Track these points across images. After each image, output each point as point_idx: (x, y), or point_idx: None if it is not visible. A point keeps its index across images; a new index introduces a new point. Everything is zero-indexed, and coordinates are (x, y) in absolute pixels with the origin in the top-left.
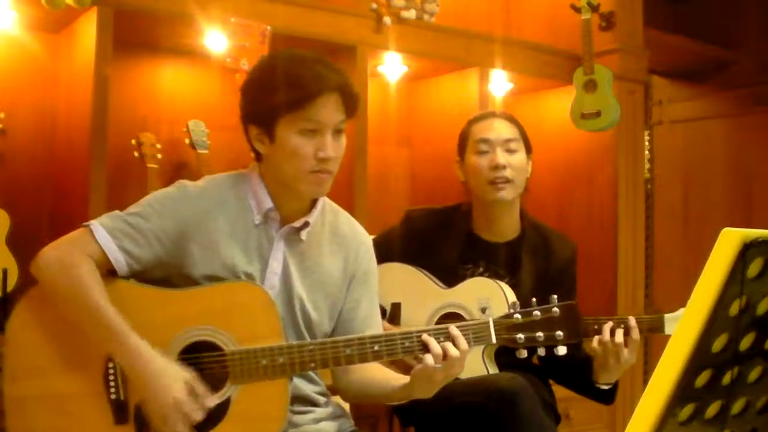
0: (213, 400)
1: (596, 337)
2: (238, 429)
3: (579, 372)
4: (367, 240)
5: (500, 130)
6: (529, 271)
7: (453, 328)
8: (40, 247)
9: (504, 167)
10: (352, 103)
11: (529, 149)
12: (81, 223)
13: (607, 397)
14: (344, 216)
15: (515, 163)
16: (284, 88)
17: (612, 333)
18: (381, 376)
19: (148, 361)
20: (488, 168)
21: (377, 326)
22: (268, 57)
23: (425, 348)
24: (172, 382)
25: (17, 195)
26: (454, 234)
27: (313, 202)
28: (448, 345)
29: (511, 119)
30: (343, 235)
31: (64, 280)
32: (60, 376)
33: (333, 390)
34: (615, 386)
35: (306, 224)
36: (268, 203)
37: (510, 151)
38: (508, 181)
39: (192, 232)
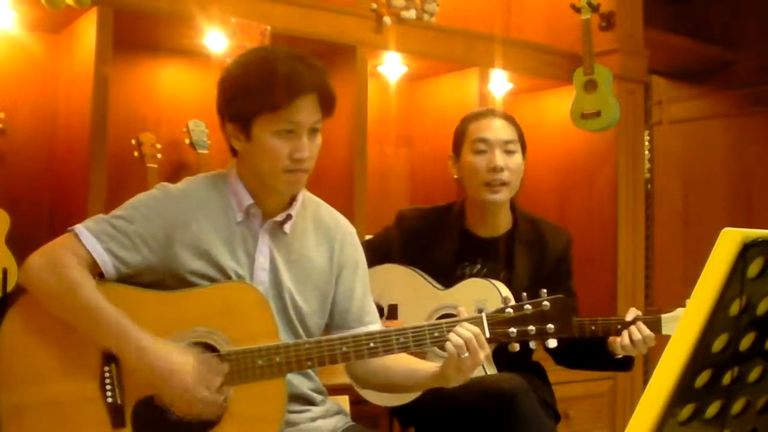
0: (223, 368)
1: (621, 338)
2: (235, 429)
3: (594, 350)
4: (350, 229)
5: (499, 130)
6: (524, 263)
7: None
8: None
9: (502, 169)
10: (329, 103)
11: (524, 149)
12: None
13: (626, 364)
14: (325, 207)
15: (513, 165)
16: (261, 88)
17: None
18: (408, 365)
19: (153, 348)
20: (486, 169)
21: (373, 313)
22: (246, 54)
23: (442, 341)
24: (180, 366)
25: (17, 195)
26: (449, 232)
27: (293, 196)
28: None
29: (510, 119)
30: (326, 226)
31: (55, 282)
32: (55, 381)
33: (332, 388)
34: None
35: (289, 217)
36: (248, 200)
37: (508, 153)
38: (504, 183)
39: (177, 233)
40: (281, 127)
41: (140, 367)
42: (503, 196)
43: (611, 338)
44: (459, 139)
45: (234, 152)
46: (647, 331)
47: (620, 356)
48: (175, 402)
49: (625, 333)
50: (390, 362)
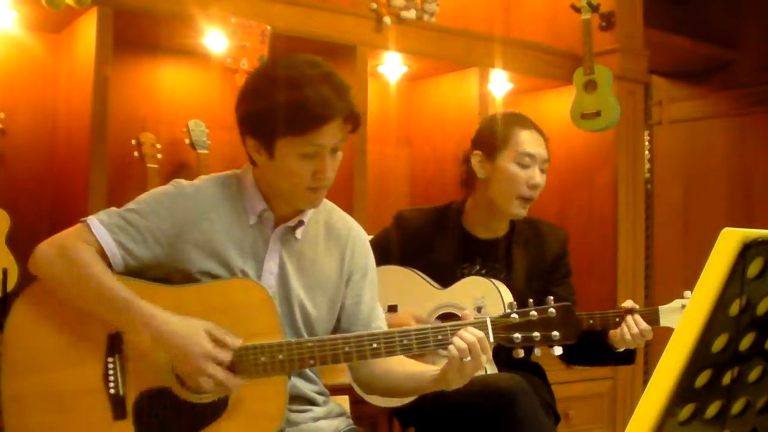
0: (237, 341)
1: (619, 331)
2: (236, 425)
3: (595, 344)
4: (362, 235)
5: (542, 148)
6: (522, 264)
7: (466, 331)
8: None
9: (538, 187)
10: (354, 124)
11: None
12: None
13: (628, 357)
14: (338, 212)
15: (543, 184)
16: (288, 109)
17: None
18: (409, 369)
19: (165, 321)
20: (525, 184)
21: (381, 319)
22: (269, 67)
23: (445, 344)
24: (194, 334)
25: (17, 195)
26: (448, 233)
27: None
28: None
29: (545, 135)
30: (338, 232)
31: (65, 265)
32: (59, 372)
33: (333, 390)
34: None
35: (301, 223)
36: (262, 205)
37: (542, 172)
38: (533, 199)
39: (188, 231)
40: (306, 150)
41: (155, 338)
42: (526, 211)
43: (611, 332)
44: (498, 141)
45: (253, 162)
46: (644, 324)
47: (621, 350)
48: (188, 371)
49: (623, 327)
50: (392, 366)
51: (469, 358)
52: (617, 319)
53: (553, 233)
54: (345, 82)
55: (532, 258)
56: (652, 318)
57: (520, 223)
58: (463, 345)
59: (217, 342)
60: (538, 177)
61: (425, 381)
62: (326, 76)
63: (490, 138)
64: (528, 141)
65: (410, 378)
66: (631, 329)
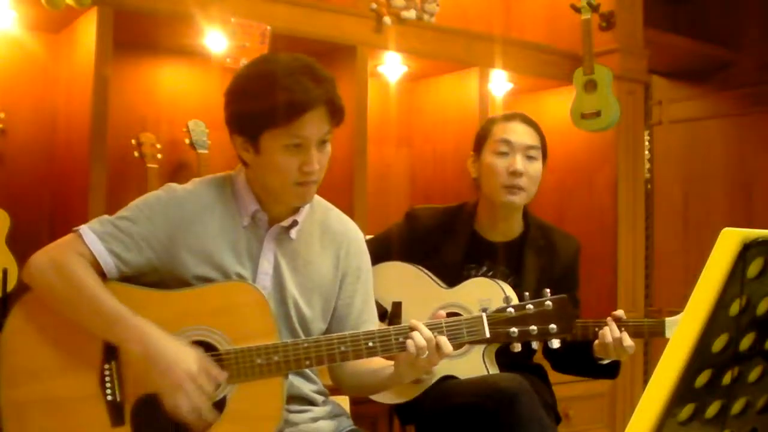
0: (223, 375)
1: (596, 342)
2: (234, 428)
3: (581, 354)
4: (358, 236)
5: (523, 135)
6: (532, 270)
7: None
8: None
9: (521, 175)
10: (338, 115)
11: (545, 157)
12: (80, 224)
13: (612, 371)
14: (335, 212)
15: (532, 171)
16: (269, 102)
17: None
18: (373, 366)
19: (156, 338)
20: (505, 172)
21: (372, 322)
22: (253, 65)
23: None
24: (184, 356)
25: (17, 195)
26: (458, 234)
27: None
28: (416, 336)
29: (535, 126)
30: (333, 232)
31: (58, 279)
32: (56, 379)
33: (333, 389)
34: (617, 360)
35: (295, 223)
36: (254, 206)
37: (529, 158)
38: (521, 188)
39: (181, 235)
40: (289, 141)
41: (144, 356)
42: (520, 199)
43: (595, 342)
44: (482, 138)
45: (244, 163)
46: (617, 333)
47: (606, 362)
48: (168, 392)
49: (604, 331)
50: (364, 365)
51: (426, 355)
52: (597, 329)
53: (565, 242)
54: (326, 73)
55: (542, 265)
56: (657, 329)
57: (533, 228)
58: (422, 342)
59: (205, 370)
60: (518, 164)
61: (382, 377)
62: (306, 67)
63: (477, 139)
64: (503, 129)
65: (372, 374)
66: (614, 333)
